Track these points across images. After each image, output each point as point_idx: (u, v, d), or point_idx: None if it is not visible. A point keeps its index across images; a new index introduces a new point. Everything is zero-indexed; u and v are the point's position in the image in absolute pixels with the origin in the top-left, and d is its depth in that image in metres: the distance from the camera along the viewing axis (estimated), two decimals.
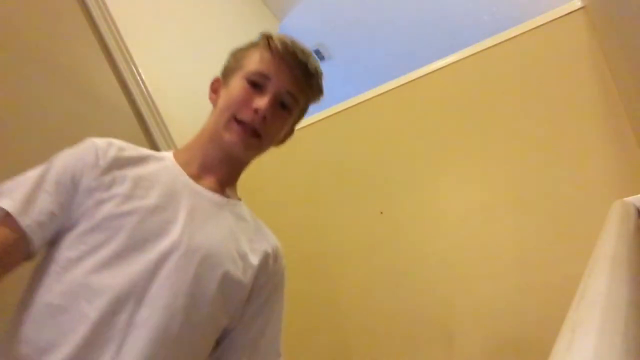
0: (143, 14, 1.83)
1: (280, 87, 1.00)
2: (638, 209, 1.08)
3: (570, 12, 1.55)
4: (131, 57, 1.63)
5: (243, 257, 0.96)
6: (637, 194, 1.16)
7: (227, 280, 0.91)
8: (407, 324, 1.53)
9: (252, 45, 1.07)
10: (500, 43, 1.64)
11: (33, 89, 1.33)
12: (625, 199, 1.12)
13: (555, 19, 1.57)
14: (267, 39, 1.02)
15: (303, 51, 1.03)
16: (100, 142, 0.92)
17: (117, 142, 0.96)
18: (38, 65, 1.37)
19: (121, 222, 0.85)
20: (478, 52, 1.67)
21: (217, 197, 0.99)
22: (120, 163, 0.92)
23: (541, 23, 1.59)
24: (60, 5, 1.51)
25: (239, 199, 1.09)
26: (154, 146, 1.58)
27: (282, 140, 1.12)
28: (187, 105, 1.75)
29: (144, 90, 1.64)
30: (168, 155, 1.04)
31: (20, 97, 1.30)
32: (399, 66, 1.86)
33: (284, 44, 1.01)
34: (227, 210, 1.00)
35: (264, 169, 2.01)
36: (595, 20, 1.48)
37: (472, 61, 1.68)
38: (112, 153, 0.92)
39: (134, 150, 0.98)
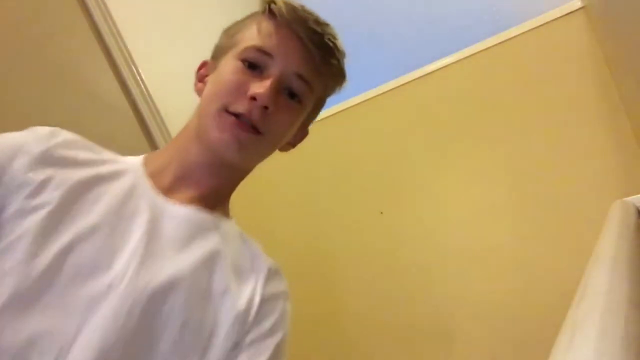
0: (143, 14, 1.83)
1: (287, 68, 0.75)
2: (638, 208, 1.08)
3: (570, 12, 1.55)
4: (131, 57, 1.63)
5: (223, 293, 0.71)
6: (637, 194, 1.16)
7: (190, 327, 0.66)
8: (407, 325, 1.53)
9: (250, 16, 0.82)
10: (500, 43, 1.64)
11: (33, 88, 1.33)
12: (625, 199, 1.12)
13: (555, 19, 1.57)
14: (268, 3, 0.77)
15: (317, 20, 0.77)
16: (42, 130, 0.71)
17: (66, 134, 0.73)
18: (38, 65, 1.37)
19: (38, 249, 0.60)
20: (478, 52, 1.67)
21: (192, 213, 0.74)
22: (61, 160, 0.68)
23: (541, 23, 1.59)
24: (60, 5, 1.51)
25: (230, 218, 0.83)
26: (154, 147, 1.58)
27: (292, 143, 0.88)
28: (188, 106, 1.75)
29: (144, 90, 1.64)
30: (135, 160, 0.79)
31: (20, 97, 1.30)
32: (399, 66, 1.86)
33: (292, 9, 0.76)
34: (207, 230, 0.75)
35: (262, 169, 2.00)
36: (595, 20, 1.48)
37: (472, 61, 1.68)
38: (51, 143, 0.69)
39: (85, 148, 0.74)
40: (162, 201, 0.74)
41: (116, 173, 0.74)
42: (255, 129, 0.74)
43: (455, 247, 1.54)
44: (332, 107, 1.91)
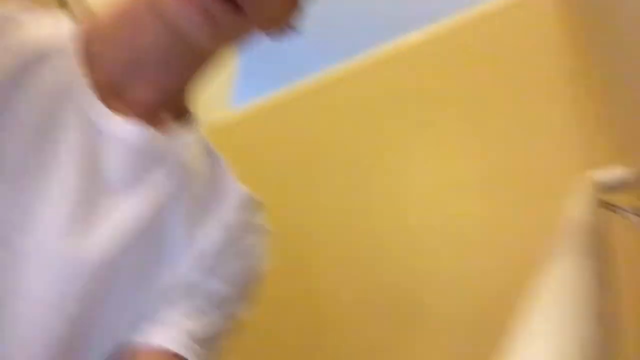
0: None
1: None
2: (598, 183, 1.10)
3: None
4: None
5: (179, 243, 0.56)
6: (599, 168, 1.20)
7: (143, 290, 0.53)
8: (377, 301, 1.56)
9: None
10: (467, 20, 1.64)
11: None
12: (586, 174, 1.15)
13: None
14: None
15: None
16: None
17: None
18: None
19: None
20: (448, 28, 1.67)
21: (141, 137, 0.53)
22: None
23: (510, 1, 1.59)
24: None
25: (188, 117, 0.63)
26: None
27: (283, 18, 0.58)
28: None
29: None
30: (66, 27, 0.54)
31: None
32: (366, 43, 1.84)
33: None
34: (160, 161, 0.56)
35: (229, 145, 1.98)
36: None
37: (442, 37, 1.68)
38: None
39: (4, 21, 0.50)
40: (101, 114, 0.51)
41: (41, 55, 0.50)
42: (234, 3, 0.48)
43: (424, 223, 1.57)
44: (302, 81, 1.89)
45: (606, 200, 1.01)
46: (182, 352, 0.53)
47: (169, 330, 0.54)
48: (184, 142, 0.60)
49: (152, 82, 0.56)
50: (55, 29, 0.54)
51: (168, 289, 0.55)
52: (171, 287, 0.56)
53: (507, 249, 1.43)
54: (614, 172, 1.06)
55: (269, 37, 0.60)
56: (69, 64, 0.52)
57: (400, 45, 1.75)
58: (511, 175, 1.49)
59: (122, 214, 0.51)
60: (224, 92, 2.18)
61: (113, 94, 0.55)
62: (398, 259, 1.57)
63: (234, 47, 0.59)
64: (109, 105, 0.54)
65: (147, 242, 0.54)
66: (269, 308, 1.51)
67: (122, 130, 0.53)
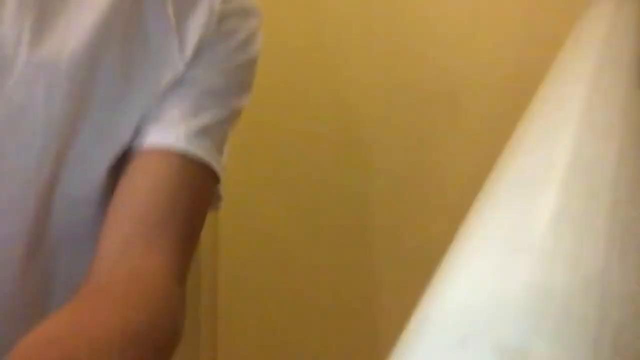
0: None
1: None
2: None
3: None
4: None
5: (166, 33, 0.49)
6: None
7: (131, 89, 0.49)
8: (413, 94, 1.53)
9: None
10: None
11: None
12: None
13: None
14: None
15: None
16: None
17: None
18: None
19: None
20: None
21: None
22: None
23: None
24: None
25: None
26: None
27: None
28: None
29: None
30: None
31: None
32: None
33: None
34: None
35: None
36: None
37: None
38: None
39: None
40: None
41: None
42: None
43: (451, 16, 1.49)
44: None
45: None
46: (186, 147, 0.51)
47: (171, 127, 0.51)
48: None
49: None
50: None
51: (162, 88, 0.51)
52: (165, 85, 0.51)
53: (541, 35, 1.37)
54: None
55: None
56: None
57: None
58: None
59: (90, 8, 0.45)
60: None
61: None
62: (437, 45, 1.53)
63: None
64: None
65: (127, 38, 0.48)
66: (295, 131, 1.50)
67: None
